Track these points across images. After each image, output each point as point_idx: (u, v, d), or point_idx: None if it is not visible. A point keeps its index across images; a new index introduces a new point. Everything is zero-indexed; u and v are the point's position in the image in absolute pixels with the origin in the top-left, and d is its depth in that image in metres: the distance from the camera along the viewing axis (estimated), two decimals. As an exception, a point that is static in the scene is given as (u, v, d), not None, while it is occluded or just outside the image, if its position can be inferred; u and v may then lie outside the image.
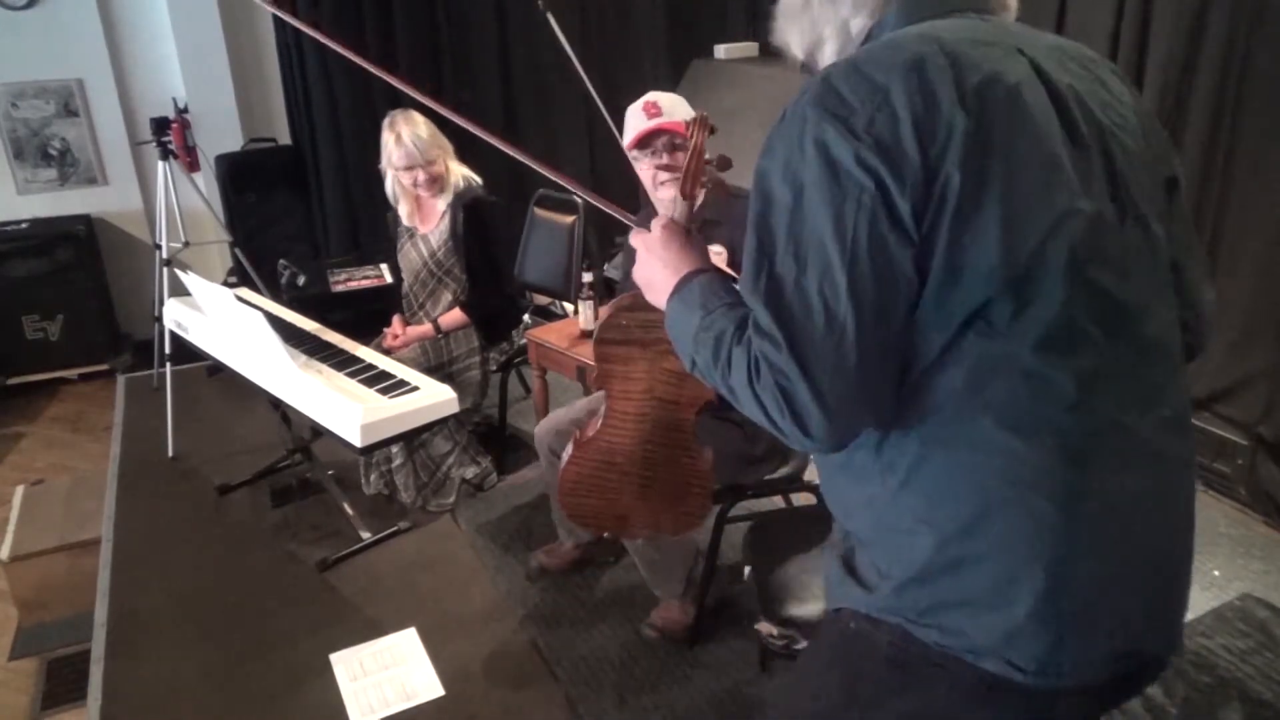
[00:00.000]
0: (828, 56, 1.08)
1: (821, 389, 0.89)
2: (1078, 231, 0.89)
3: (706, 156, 1.41)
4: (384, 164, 2.95)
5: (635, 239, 1.22)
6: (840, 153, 0.88)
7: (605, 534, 2.08)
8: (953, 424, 0.92)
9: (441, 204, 2.98)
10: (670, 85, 4.90)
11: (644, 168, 2.29)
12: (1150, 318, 0.96)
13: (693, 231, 1.21)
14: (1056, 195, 0.89)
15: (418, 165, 2.86)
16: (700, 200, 1.37)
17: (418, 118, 2.89)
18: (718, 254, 2.17)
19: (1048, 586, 0.91)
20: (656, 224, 1.19)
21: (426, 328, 3.00)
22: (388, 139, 2.88)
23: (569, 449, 1.90)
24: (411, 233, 3.06)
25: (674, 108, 2.30)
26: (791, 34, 1.10)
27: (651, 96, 2.32)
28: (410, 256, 3.07)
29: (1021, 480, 0.91)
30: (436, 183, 2.94)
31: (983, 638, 0.94)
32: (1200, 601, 2.52)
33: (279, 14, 1.65)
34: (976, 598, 0.94)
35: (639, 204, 4.79)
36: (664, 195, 2.25)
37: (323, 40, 1.85)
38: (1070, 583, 0.92)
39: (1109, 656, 0.95)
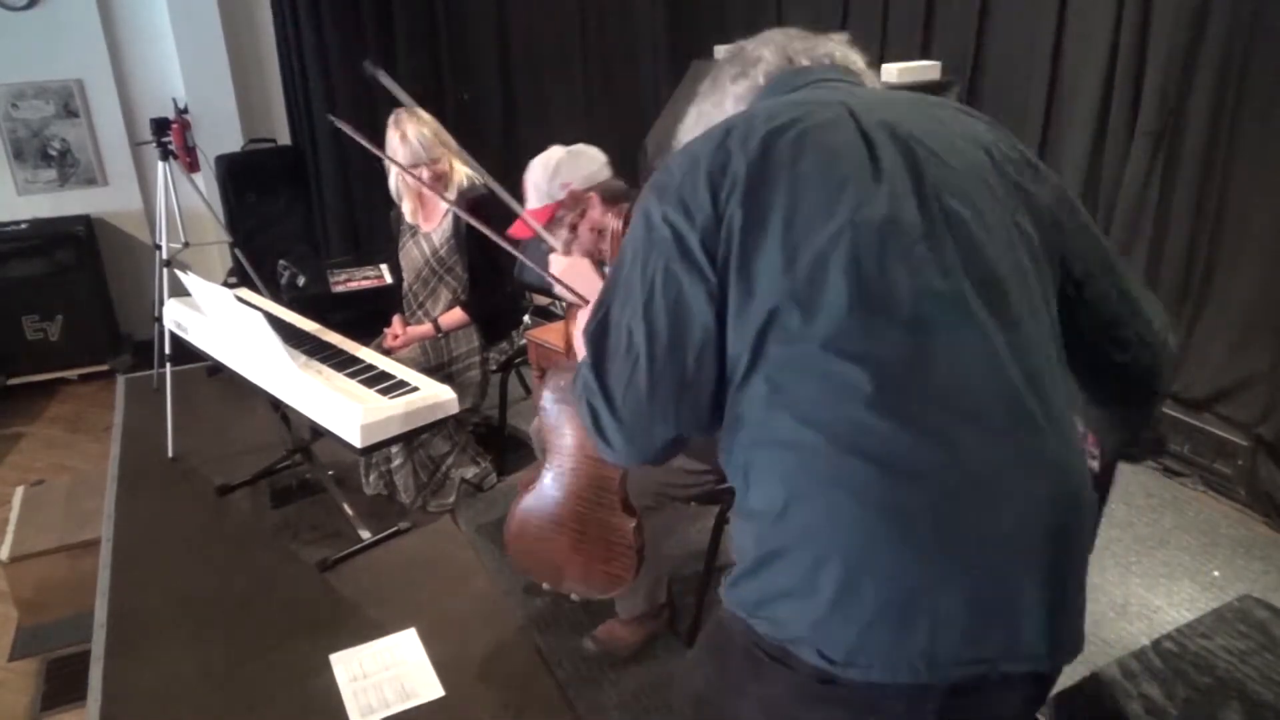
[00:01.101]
0: None
1: (615, 406, 1.06)
2: (863, 239, 0.97)
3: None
4: (387, 161, 2.95)
5: (570, 261, 1.56)
6: (653, 213, 1.05)
7: (545, 585, 2.09)
8: (763, 425, 1.00)
9: (444, 202, 2.98)
10: (670, 85, 4.92)
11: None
12: (977, 328, 0.98)
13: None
14: (838, 210, 0.99)
15: (421, 163, 2.86)
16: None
17: (424, 116, 2.89)
18: None
19: (847, 576, 0.94)
20: (579, 259, 1.49)
21: (427, 327, 3.00)
22: (392, 136, 2.88)
23: (516, 497, 1.97)
24: (414, 231, 3.06)
25: (536, 188, 2.19)
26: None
27: (525, 175, 2.22)
28: (412, 254, 3.07)
29: (819, 473, 0.96)
30: (440, 181, 2.94)
31: (797, 628, 0.98)
32: (1200, 602, 2.52)
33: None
34: (790, 588, 0.99)
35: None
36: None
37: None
38: (871, 574, 0.94)
39: (934, 657, 0.94)
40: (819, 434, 0.96)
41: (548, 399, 1.86)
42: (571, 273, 1.56)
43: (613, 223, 1.63)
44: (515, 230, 2.14)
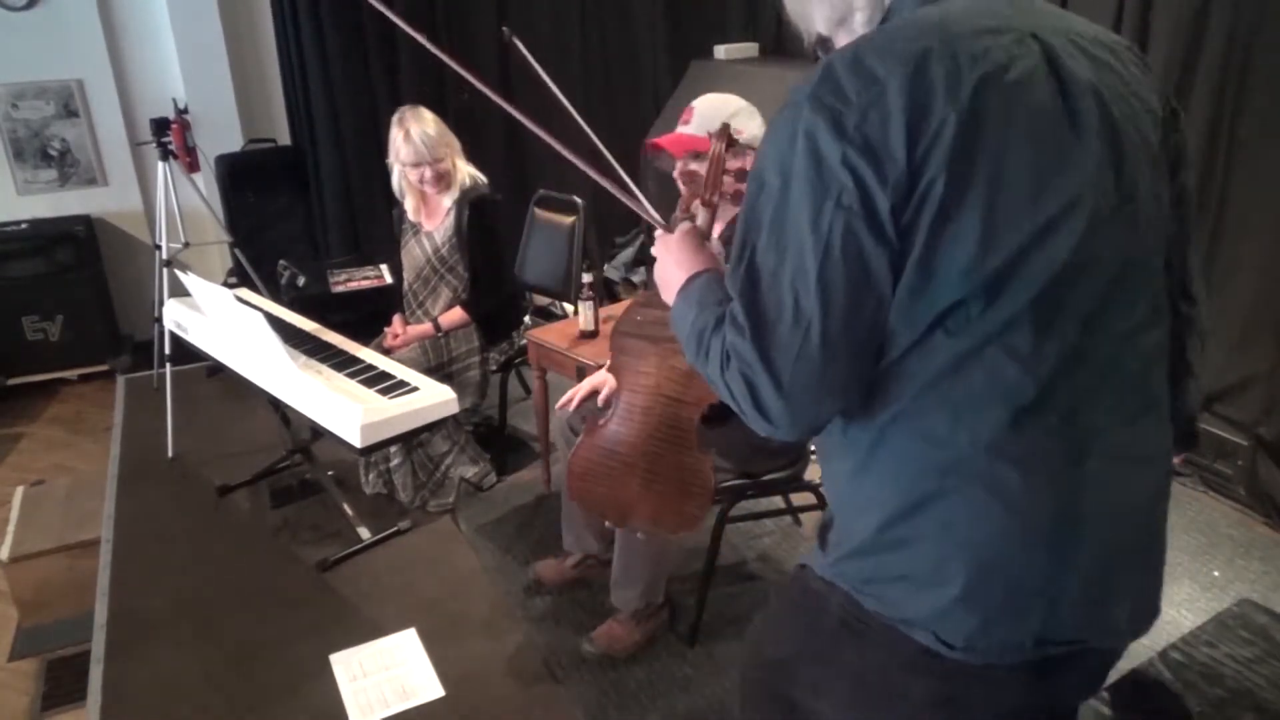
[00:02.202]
0: (858, 27, 1.05)
1: (782, 380, 0.92)
2: (1064, 239, 0.90)
3: (730, 166, 1.42)
4: (391, 159, 2.96)
5: (659, 241, 1.25)
6: (827, 148, 0.89)
7: (608, 523, 2.11)
8: (912, 414, 0.95)
9: (447, 201, 2.98)
10: (670, 85, 4.92)
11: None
12: (1128, 317, 0.97)
13: (712, 238, 1.24)
14: (1047, 196, 0.89)
15: (425, 162, 2.87)
16: (719, 209, 1.41)
17: (427, 115, 2.89)
18: None
19: (979, 574, 0.95)
20: (680, 228, 1.22)
21: (426, 327, 3.00)
22: (396, 135, 2.88)
23: (582, 435, 1.93)
24: (416, 229, 3.07)
25: (705, 118, 2.15)
26: (817, 7, 1.07)
27: (696, 101, 2.19)
28: (414, 253, 3.07)
29: (968, 476, 0.94)
30: (443, 180, 2.94)
31: (914, 612, 0.99)
32: (1200, 602, 2.52)
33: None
34: (913, 575, 0.98)
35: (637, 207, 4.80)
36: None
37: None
38: (1004, 573, 0.96)
39: (1042, 638, 0.98)
40: (974, 437, 0.93)
41: (628, 334, 1.78)
42: (666, 262, 1.21)
43: (714, 144, 1.42)
44: (664, 141, 2.15)
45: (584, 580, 2.60)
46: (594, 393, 2.38)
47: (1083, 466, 0.95)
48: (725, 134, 1.44)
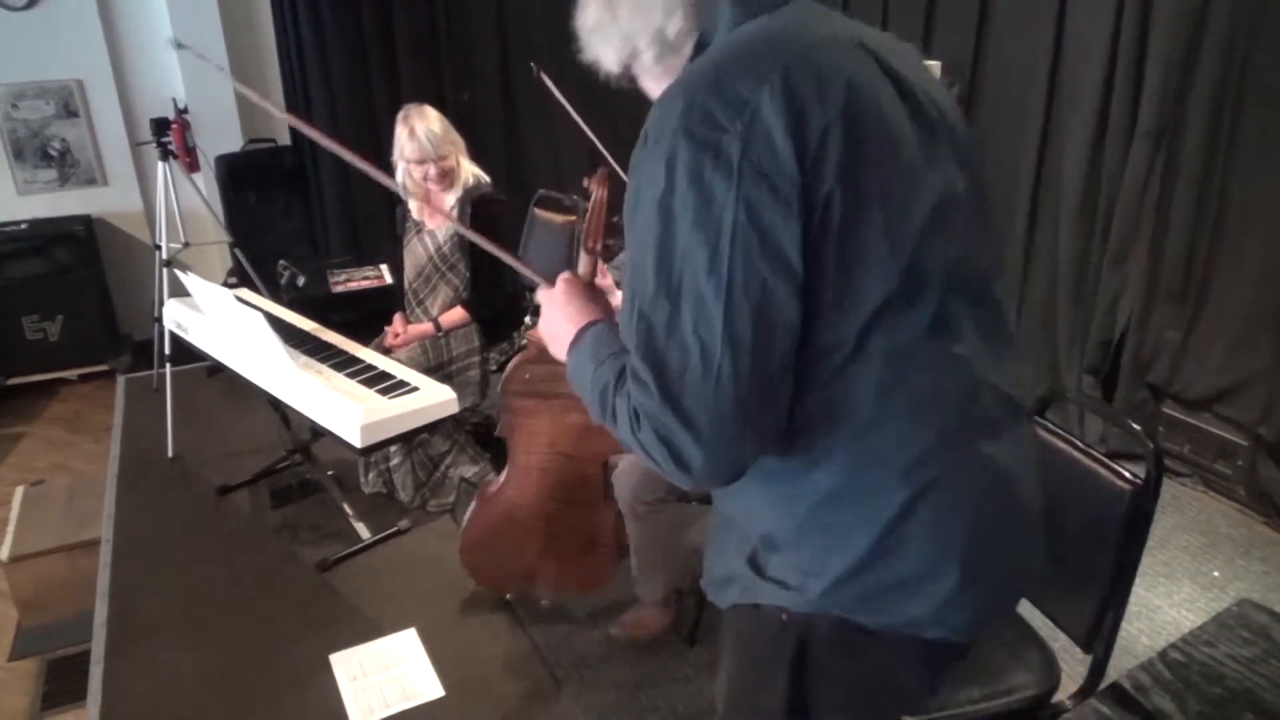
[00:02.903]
0: (647, 64, 1.06)
1: (700, 432, 0.89)
2: (946, 218, 0.93)
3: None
4: (395, 156, 2.96)
5: (541, 294, 1.22)
6: (715, 184, 0.85)
7: (508, 596, 2.02)
8: (876, 422, 0.94)
9: (450, 199, 2.98)
10: (670, 85, 4.91)
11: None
12: (995, 283, 1.02)
13: (596, 284, 1.22)
14: (922, 190, 0.91)
15: (429, 159, 2.87)
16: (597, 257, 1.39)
17: (431, 113, 2.89)
18: None
19: (973, 560, 0.99)
20: (560, 279, 1.19)
21: (427, 326, 3.00)
22: (401, 132, 2.88)
23: (473, 504, 1.80)
24: (419, 227, 3.07)
25: None
26: (603, 50, 1.07)
27: None
28: (415, 251, 3.07)
29: (945, 465, 0.96)
30: (446, 178, 2.94)
31: (919, 611, 1.00)
32: (1200, 602, 2.52)
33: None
34: (910, 577, 0.99)
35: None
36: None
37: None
38: (989, 553, 1.01)
39: (1006, 614, 1.12)
40: (941, 430, 0.95)
41: (517, 394, 1.67)
42: (552, 316, 1.17)
43: (596, 190, 1.37)
44: None
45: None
46: None
47: (1004, 436, 1.01)
48: (606, 179, 1.39)
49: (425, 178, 2.92)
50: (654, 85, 1.09)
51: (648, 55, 1.04)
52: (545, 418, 1.69)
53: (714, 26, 0.99)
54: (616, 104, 1.74)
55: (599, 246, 1.32)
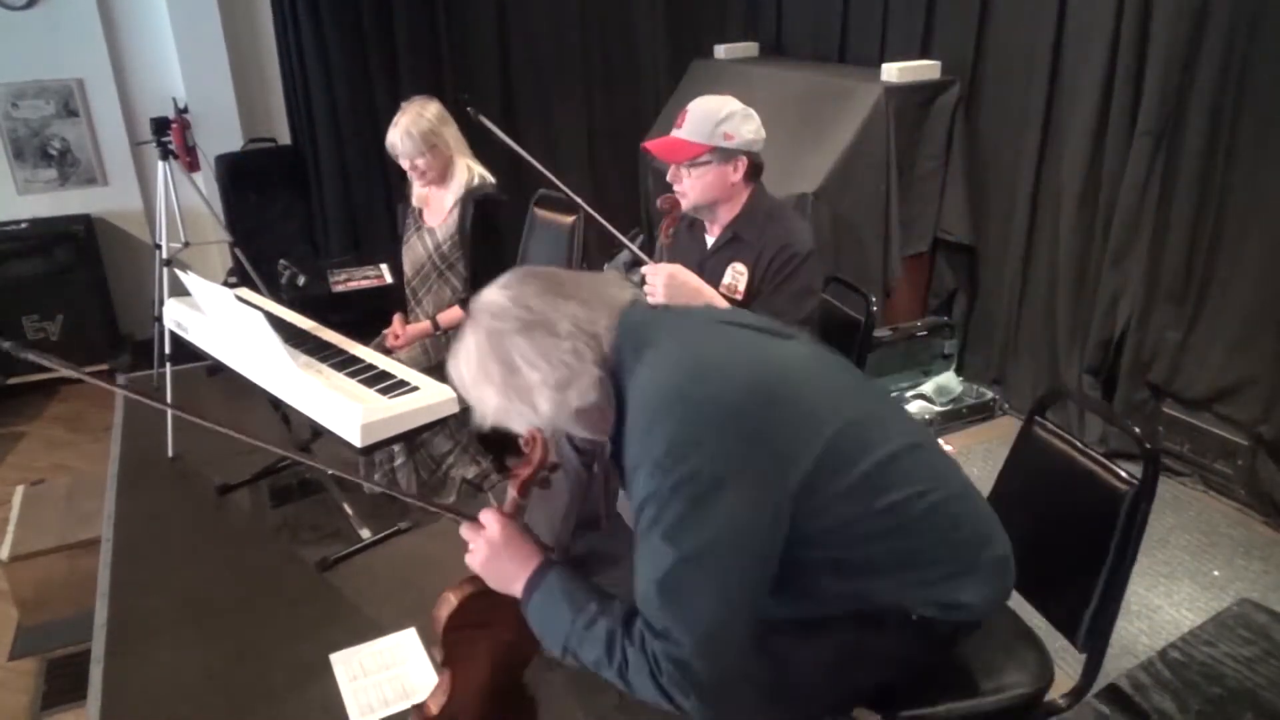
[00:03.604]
0: (546, 413, 1.25)
1: (722, 672, 1.14)
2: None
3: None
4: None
5: (469, 533, 1.43)
6: (758, 501, 1.16)
7: None
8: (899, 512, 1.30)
9: (449, 198, 2.97)
10: (670, 85, 4.92)
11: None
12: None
13: (524, 517, 1.45)
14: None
15: (403, 155, 2.87)
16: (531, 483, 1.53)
17: (425, 109, 2.88)
18: (739, 272, 2.13)
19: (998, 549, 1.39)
20: (493, 523, 1.38)
21: (425, 325, 3.00)
22: (392, 129, 2.88)
23: None
24: (419, 225, 3.06)
25: (699, 121, 2.09)
26: (512, 419, 1.29)
27: (691, 104, 2.15)
28: (415, 249, 3.07)
29: (961, 493, 1.38)
30: (426, 176, 2.93)
31: (971, 599, 1.35)
32: (1200, 601, 2.52)
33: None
34: (972, 578, 1.35)
35: (638, 207, 4.80)
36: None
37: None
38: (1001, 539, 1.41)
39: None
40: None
41: (456, 630, 1.61)
42: (498, 558, 1.41)
43: (537, 451, 1.52)
44: (653, 147, 2.14)
45: None
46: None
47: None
48: (545, 451, 1.51)
49: (411, 170, 2.92)
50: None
51: (546, 410, 1.26)
52: (484, 643, 1.68)
53: (625, 369, 1.23)
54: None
55: (526, 492, 1.47)
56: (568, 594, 1.27)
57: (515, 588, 1.34)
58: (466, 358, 1.26)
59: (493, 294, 1.27)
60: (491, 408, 1.27)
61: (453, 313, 3.02)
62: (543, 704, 2.14)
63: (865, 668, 1.38)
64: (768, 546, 1.18)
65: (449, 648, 1.56)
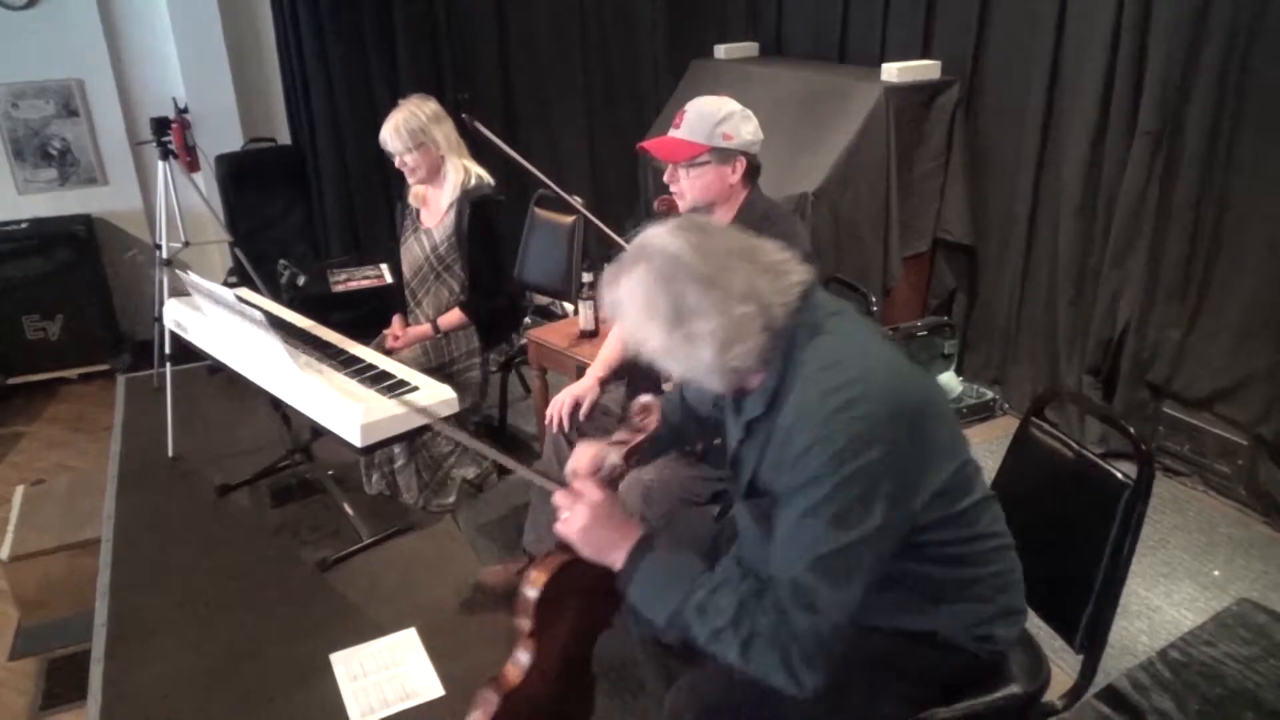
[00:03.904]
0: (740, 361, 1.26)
1: (839, 656, 1.19)
2: None
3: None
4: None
5: (564, 500, 1.37)
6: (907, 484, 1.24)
7: None
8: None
9: (445, 199, 2.96)
10: (670, 85, 4.92)
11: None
12: None
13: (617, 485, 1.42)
14: None
15: (392, 151, 2.88)
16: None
17: (419, 107, 2.87)
18: None
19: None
20: (594, 490, 1.36)
21: (425, 328, 3.00)
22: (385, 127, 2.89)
23: (481, 708, 1.62)
24: (416, 226, 3.06)
25: (697, 122, 2.11)
26: (672, 361, 1.28)
27: (689, 104, 2.16)
28: (413, 250, 3.07)
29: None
30: (415, 174, 2.93)
31: (1008, 636, 1.45)
32: (1200, 602, 2.52)
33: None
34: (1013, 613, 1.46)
35: (638, 207, 4.80)
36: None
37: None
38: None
39: None
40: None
41: (549, 603, 1.54)
42: (596, 525, 1.35)
43: (651, 418, 1.49)
44: (650, 147, 2.15)
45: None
46: (577, 405, 2.35)
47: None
48: (656, 417, 1.49)
49: (401, 166, 2.92)
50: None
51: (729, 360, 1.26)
52: (568, 614, 1.62)
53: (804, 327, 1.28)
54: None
55: (632, 461, 1.44)
56: (679, 566, 1.28)
57: (613, 557, 1.32)
58: (632, 291, 1.26)
59: (666, 237, 1.26)
60: (655, 346, 1.26)
61: (452, 315, 3.02)
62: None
63: (901, 680, 1.42)
64: (894, 548, 1.25)
65: (537, 618, 1.52)
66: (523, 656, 1.58)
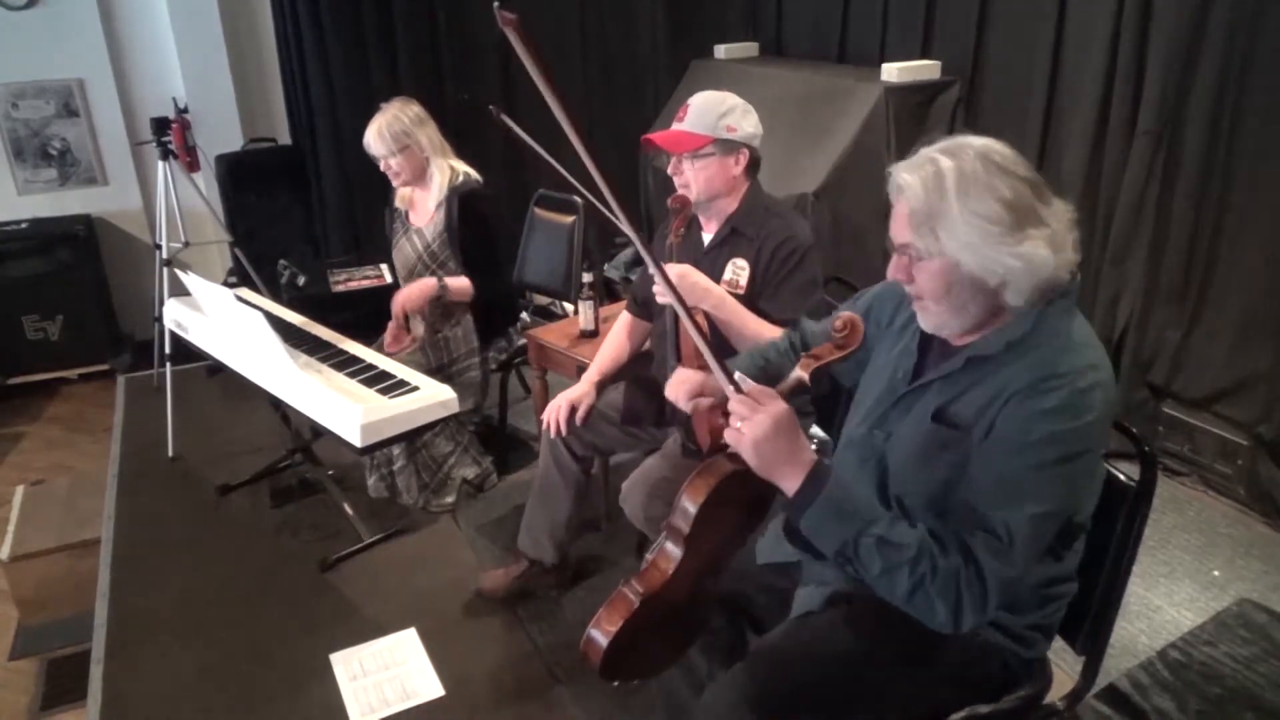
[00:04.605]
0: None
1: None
2: None
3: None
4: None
5: (741, 406, 1.27)
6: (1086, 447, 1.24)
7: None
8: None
9: (432, 200, 2.96)
10: (670, 85, 4.92)
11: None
12: None
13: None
14: None
15: (375, 155, 2.88)
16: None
17: (405, 110, 2.87)
18: (740, 268, 2.14)
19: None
20: (777, 401, 1.27)
21: (430, 282, 2.93)
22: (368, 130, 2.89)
23: (618, 605, 1.57)
24: (406, 227, 3.06)
25: (701, 114, 2.12)
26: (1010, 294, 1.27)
27: (692, 98, 2.17)
28: (405, 250, 3.06)
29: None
30: (400, 176, 2.93)
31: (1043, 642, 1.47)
32: (1200, 601, 2.52)
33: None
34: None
35: (638, 206, 4.80)
36: None
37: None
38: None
39: None
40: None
41: (712, 506, 1.43)
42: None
43: (853, 339, 1.43)
44: (657, 138, 2.15)
45: (528, 592, 2.54)
46: (573, 409, 2.34)
47: None
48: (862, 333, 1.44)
49: (385, 170, 2.92)
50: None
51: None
52: (720, 526, 1.50)
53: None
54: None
55: (819, 378, 1.38)
56: (857, 499, 1.26)
57: (784, 474, 1.25)
58: (963, 170, 1.23)
59: (998, 151, 1.25)
60: (965, 232, 1.22)
61: (461, 281, 2.97)
62: (557, 707, 2.14)
63: (930, 675, 1.41)
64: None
65: (696, 523, 1.43)
66: (671, 560, 1.49)
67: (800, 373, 1.34)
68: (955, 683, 1.41)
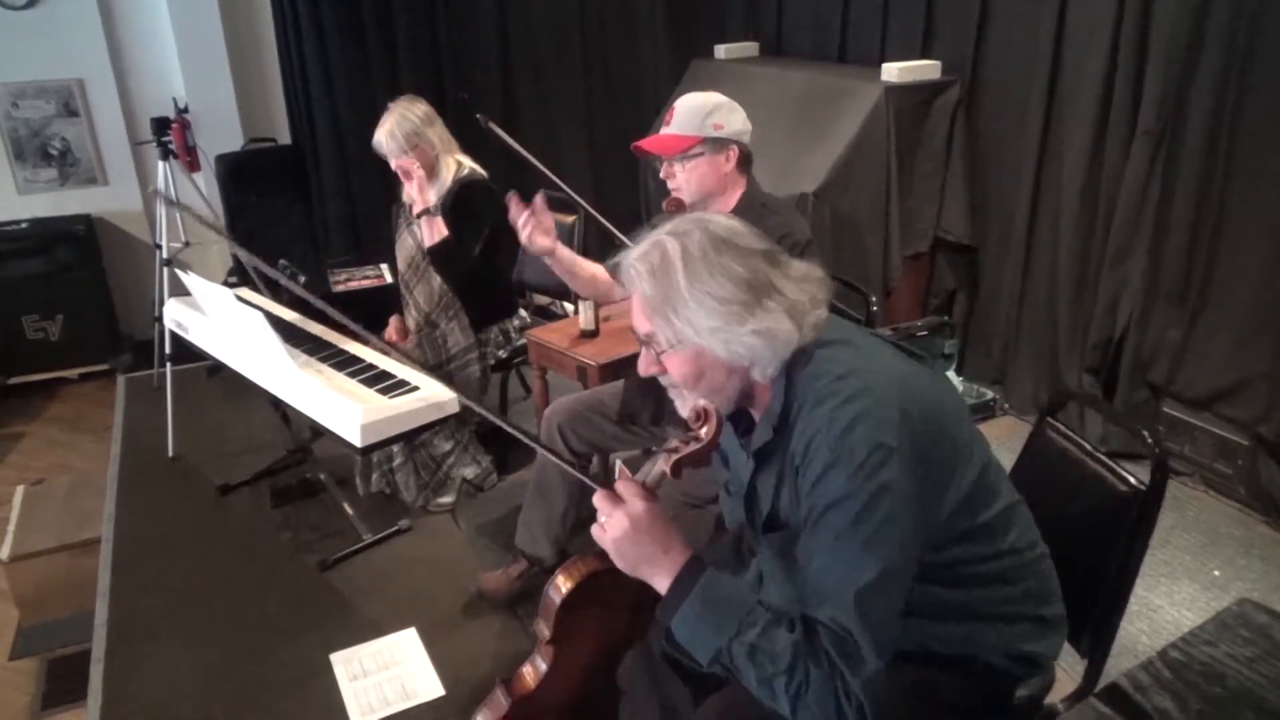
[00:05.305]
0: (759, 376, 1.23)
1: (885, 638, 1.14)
2: None
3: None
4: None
5: (604, 504, 1.23)
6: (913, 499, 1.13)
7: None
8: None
9: (435, 193, 2.96)
10: (670, 85, 4.91)
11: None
12: None
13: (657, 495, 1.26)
14: None
15: (387, 155, 2.87)
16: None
17: (412, 109, 2.87)
18: None
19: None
20: (637, 499, 1.22)
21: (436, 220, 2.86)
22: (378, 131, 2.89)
23: (490, 709, 1.56)
24: (410, 220, 3.06)
25: (686, 117, 2.14)
26: (720, 345, 1.19)
27: (678, 101, 2.18)
28: (406, 242, 3.07)
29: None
30: (411, 176, 2.92)
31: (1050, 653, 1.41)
32: (1200, 601, 2.52)
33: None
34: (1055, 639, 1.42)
35: (638, 207, 4.80)
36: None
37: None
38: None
39: None
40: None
41: (574, 609, 1.43)
42: (640, 537, 1.22)
43: (709, 427, 1.30)
44: (646, 144, 2.15)
45: (528, 592, 2.53)
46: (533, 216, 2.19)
47: None
48: (717, 424, 1.29)
49: (397, 169, 2.92)
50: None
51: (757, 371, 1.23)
52: (595, 625, 1.52)
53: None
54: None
55: (679, 473, 1.28)
56: (729, 600, 1.16)
57: (652, 574, 1.20)
58: (687, 253, 1.18)
59: (706, 217, 1.22)
60: (701, 319, 1.17)
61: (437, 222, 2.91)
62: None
63: (938, 713, 1.33)
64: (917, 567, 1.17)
65: (558, 625, 1.42)
66: (540, 663, 1.49)
67: (663, 466, 1.26)
68: (959, 713, 1.36)
